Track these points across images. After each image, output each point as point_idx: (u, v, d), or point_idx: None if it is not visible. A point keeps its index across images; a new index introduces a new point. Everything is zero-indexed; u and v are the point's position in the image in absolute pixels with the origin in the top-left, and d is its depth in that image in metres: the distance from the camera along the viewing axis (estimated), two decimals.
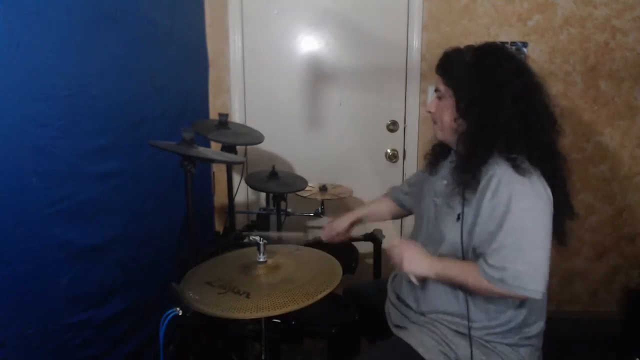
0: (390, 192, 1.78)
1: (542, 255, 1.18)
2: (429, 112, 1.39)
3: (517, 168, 1.20)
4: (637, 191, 2.57)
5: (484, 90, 1.24)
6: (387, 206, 1.76)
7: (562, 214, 1.28)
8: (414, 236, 1.50)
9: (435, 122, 1.39)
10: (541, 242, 1.18)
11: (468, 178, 1.24)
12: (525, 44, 2.46)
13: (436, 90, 1.35)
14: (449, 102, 1.31)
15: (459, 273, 1.27)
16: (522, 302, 1.29)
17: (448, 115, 1.32)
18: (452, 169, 1.32)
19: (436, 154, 1.49)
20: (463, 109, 1.27)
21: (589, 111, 2.50)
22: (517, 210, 1.17)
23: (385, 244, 1.40)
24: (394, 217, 1.78)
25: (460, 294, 1.30)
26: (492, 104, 1.23)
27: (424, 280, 1.35)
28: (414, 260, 1.31)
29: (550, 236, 1.21)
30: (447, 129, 1.34)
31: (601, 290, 2.68)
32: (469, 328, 1.29)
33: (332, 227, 1.70)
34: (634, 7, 2.39)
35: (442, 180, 1.40)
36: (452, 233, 1.30)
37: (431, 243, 1.38)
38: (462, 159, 1.28)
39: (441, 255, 1.33)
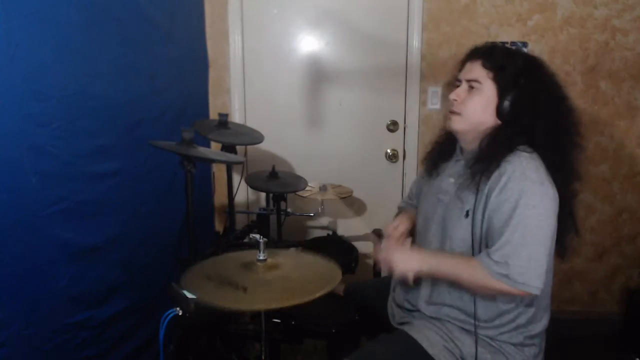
0: (404, 204, 1.73)
1: (543, 252, 1.19)
2: (454, 100, 1.35)
3: (529, 167, 1.21)
4: (637, 191, 2.56)
5: (531, 98, 1.26)
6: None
7: (566, 228, 1.30)
8: (419, 239, 1.49)
9: (455, 112, 1.35)
10: (544, 240, 1.19)
11: (489, 165, 1.25)
12: (525, 44, 2.45)
13: (473, 80, 1.32)
14: (488, 97, 1.30)
15: (453, 268, 1.27)
16: (530, 301, 1.29)
17: (482, 110, 1.31)
18: (468, 161, 1.33)
19: (434, 158, 1.49)
20: (505, 110, 1.28)
21: (589, 111, 2.50)
22: (525, 207, 1.18)
23: (373, 252, 1.39)
24: None
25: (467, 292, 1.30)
26: (535, 111, 1.26)
27: (418, 280, 1.33)
28: (403, 259, 1.31)
29: (554, 235, 1.22)
30: (471, 121, 1.33)
31: (601, 290, 2.68)
32: (475, 326, 1.29)
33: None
34: (634, 7, 2.39)
35: (448, 179, 1.40)
36: (460, 230, 1.30)
37: (439, 242, 1.38)
38: (487, 150, 1.28)
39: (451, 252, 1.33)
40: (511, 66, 1.29)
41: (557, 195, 1.23)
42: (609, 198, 2.58)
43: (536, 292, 1.18)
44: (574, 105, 1.34)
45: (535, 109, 1.26)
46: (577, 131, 1.32)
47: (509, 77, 1.28)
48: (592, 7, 2.41)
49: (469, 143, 1.37)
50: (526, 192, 1.19)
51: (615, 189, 2.57)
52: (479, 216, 1.26)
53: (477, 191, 1.26)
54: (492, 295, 1.27)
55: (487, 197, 1.24)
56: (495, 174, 1.23)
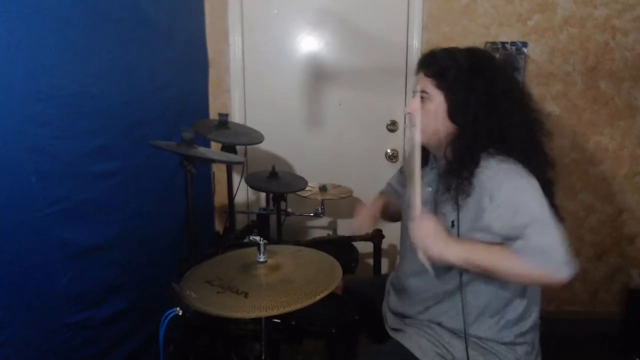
0: (385, 190, 1.73)
1: (560, 232, 1.13)
2: (408, 113, 1.34)
3: (509, 167, 1.20)
4: (637, 191, 2.56)
5: (479, 96, 1.24)
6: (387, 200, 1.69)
7: None
8: (403, 237, 1.49)
9: (414, 125, 1.34)
10: (556, 223, 1.14)
11: (462, 181, 1.23)
12: (525, 44, 2.45)
13: (421, 91, 1.32)
14: (437, 105, 1.29)
15: (490, 258, 1.17)
16: (522, 294, 1.29)
17: (435, 118, 1.29)
18: (439, 175, 1.32)
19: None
20: (456, 114, 1.26)
21: (589, 111, 2.50)
22: (525, 203, 1.15)
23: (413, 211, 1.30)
24: (394, 213, 1.69)
25: (456, 296, 1.30)
26: (487, 109, 1.23)
27: (438, 270, 1.28)
28: (438, 241, 1.20)
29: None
30: (428, 131, 1.31)
31: (601, 290, 2.68)
32: (465, 329, 1.29)
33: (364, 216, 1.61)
34: (634, 7, 2.39)
35: (426, 187, 1.38)
36: None
37: None
38: (453, 163, 1.26)
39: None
40: (452, 69, 1.26)
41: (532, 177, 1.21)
42: (609, 198, 2.58)
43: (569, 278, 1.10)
44: (529, 91, 1.31)
45: (487, 105, 1.23)
46: (538, 116, 1.29)
47: (452, 79, 1.26)
48: (592, 7, 2.41)
49: (436, 150, 1.36)
50: (517, 188, 1.17)
51: (615, 189, 2.57)
52: (465, 224, 1.24)
53: (458, 205, 1.24)
54: (525, 282, 1.23)
55: (477, 206, 1.20)
56: (475, 182, 1.21)
